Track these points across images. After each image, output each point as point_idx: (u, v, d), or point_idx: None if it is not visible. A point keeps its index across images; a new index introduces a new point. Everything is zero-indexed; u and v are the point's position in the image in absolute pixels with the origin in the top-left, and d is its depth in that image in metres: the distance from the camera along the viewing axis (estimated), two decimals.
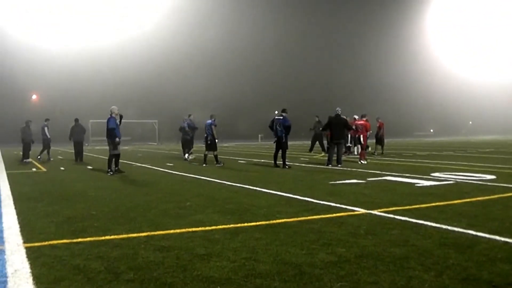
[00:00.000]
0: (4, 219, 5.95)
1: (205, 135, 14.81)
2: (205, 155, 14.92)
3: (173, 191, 8.43)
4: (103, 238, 4.76)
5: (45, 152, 18.39)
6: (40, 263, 3.87)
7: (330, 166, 13.40)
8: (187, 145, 17.58)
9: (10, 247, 4.44)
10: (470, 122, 79.48)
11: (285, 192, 7.93)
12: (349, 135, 19.57)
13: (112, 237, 4.80)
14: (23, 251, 4.29)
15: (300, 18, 65.73)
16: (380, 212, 5.97)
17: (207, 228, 5.16)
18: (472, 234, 4.67)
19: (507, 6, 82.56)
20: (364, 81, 69.21)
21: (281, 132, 13.28)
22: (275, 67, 63.43)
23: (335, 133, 13.79)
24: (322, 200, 6.96)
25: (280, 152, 13.52)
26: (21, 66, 46.84)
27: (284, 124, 13.30)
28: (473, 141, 38.88)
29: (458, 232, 4.79)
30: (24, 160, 17.63)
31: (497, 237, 4.51)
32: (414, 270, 3.56)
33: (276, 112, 25.38)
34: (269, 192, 8.03)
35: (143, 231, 5.03)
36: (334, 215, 5.83)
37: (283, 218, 5.64)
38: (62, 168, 14.57)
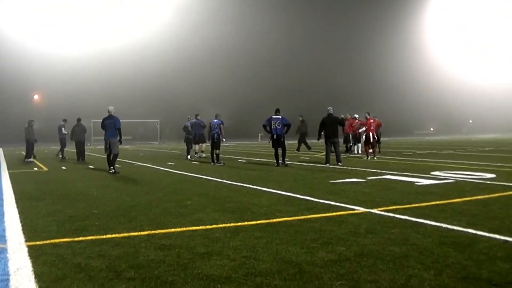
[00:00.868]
0: (6, 218, 5.99)
1: (212, 133, 14.92)
2: (217, 154, 14.99)
3: (174, 190, 8.46)
4: (104, 236, 4.79)
5: (62, 150, 19.34)
6: (42, 262, 3.90)
7: (328, 165, 13.45)
8: (190, 145, 17.70)
9: (12, 246, 4.47)
10: (471, 121, 79.37)
11: (285, 191, 7.94)
12: (349, 135, 19.60)
13: (113, 235, 4.82)
14: (25, 249, 4.32)
15: (300, 19, 65.71)
16: (380, 211, 5.98)
17: (208, 226, 5.18)
18: (472, 233, 4.68)
19: (507, 4, 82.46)
20: (363, 80, 69.12)
21: (280, 131, 13.50)
22: (275, 67, 63.43)
23: (329, 132, 13.98)
24: (322, 199, 6.98)
25: (280, 150, 13.66)
26: (23, 66, 46.89)
27: (286, 123, 13.62)
28: (473, 140, 38.84)
29: (458, 230, 4.80)
30: (26, 160, 17.77)
31: (497, 236, 4.53)
32: (413, 268, 3.57)
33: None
34: (269, 191, 8.05)
35: (144, 230, 5.05)
36: (334, 214, 5.85)
37: (283, 217, 5.66)
38: (63, 168, 14.61)
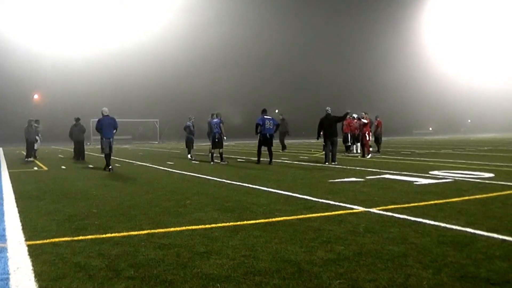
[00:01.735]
0: (6, 217, 6.00)
1: (213, 133, 15.01)
2: (212, 153, 15.15)
3: (174, 190, 8.47)
4: (104, 236, 4.80)
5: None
6: (41, 261, 3.91)
7: (327, 164, 13.65)
8: (191, 145, 17.75)
9: (12, 245, 4.48)
10: (469, 121, 79.48)
11: (284, 190, 7.96)
12: (349, 135, 19.62)
13: (113, 235, 4.83)
14: (25, 248, 4.33)
15: (300, 19, 65.74)
16: (379, 210, 6.00)
17: (207, 226, 5.20)
18: (470, 232, 4.70)
19: (507, 4, 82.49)
20: (363, 80, 69.17)
21: (272, 131, 14.35)
22: (274, 67, 63.42)
23: (327, 131, 14.32)
24: (321, 198, 6.99)
25: (265, 148, 14.42)
26: (23, 66, 46.85)
27: (276, 123, 14.67)
28: (472, 139, 38.88)
29: (456, 230, 4.82)
30: (26, 159, 17.79)
31: (495, 235, 4.54)
32: (412, 268, 3.59)
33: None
34: (268, 190, 8.06)
35: (143, 229, 5.07)
36: (333, 213, 5.86)
37: (282, 216, 5.67)
38: (63, 167, 14.61)
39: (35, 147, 19.32)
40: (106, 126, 12.55)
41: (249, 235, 4.72)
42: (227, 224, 5.29)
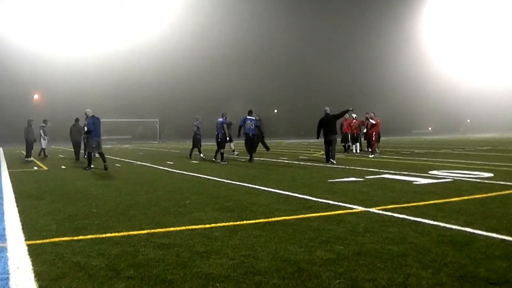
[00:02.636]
0: (6, 217, 6.00)
1: (216, 133, 15.12)
2: (222, 153, 15.29)
3: (173, 189, 8.47)
4: (103, 235, 4.80)
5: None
6: (41, 260, 3.91)
7: (329, 163, 13.76)
8: (197, 144, 17.82)
9: (12, 245, 4.49)
10: (468, 120, 79.50)
11: (284, 190, 7.96)
12: (349, 135, 19.62)
13: (113, 234, 4.84)
14: (25, 248, 4.34)
15: (300, 19, 65.72)
16: (378, 210, 6.00)
17: (207, 225, 5.20)
18: (470, 232, 4.70)
19: (506, 3, 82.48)
20: (363, 80, 69.20)
21: (254, 131, 15.31)
22: (275, 67, 63.40)
23: (326, 131, 14.56)
24: (321, 198, 7.00)
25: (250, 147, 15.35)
26: (23, 66, 46.83)
27: (256, 124, 15.70)
28: (471, 139, 38.90)
29: (455, 229, 4.82)
30: (26, 159, 17.82)
31: (495, 235, 4.54)
32: (412, 267, 3.59)
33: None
34: (268, 190, 8.06)
35: (143, 229, 5.07)
36: (333, 213, 5.87)
37: (282, 216, 5.67)
38: (63, 167, 14.61)
39: (44, 146, 19.84)
40: (97, 126, 13.00)
41: (249, 234, 4.72)
42: (227, 223, 5.29)
